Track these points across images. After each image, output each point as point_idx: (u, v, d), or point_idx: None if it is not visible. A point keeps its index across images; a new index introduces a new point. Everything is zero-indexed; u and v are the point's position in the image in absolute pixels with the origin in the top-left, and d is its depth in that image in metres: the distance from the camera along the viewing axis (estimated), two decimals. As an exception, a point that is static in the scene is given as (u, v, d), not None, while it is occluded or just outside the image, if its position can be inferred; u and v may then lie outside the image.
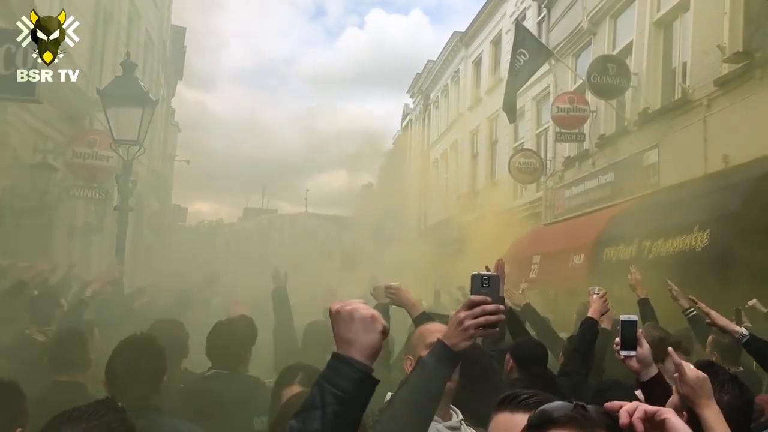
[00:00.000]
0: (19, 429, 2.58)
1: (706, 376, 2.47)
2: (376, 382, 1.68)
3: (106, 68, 13.79)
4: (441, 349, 2.12)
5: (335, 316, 1.70)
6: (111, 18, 14.82)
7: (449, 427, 2.70)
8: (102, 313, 5.75)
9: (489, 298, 2.04)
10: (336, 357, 1.68)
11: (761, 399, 4.11)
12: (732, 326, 4.29)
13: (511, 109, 14.43)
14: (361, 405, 1.67)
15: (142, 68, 15.38)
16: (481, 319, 2.03)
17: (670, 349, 2.71)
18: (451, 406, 2.87)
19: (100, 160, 11.88)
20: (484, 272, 2.12)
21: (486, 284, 2.08)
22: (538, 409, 1.53)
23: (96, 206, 13.59)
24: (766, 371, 4.23)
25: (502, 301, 2.17)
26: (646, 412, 1.43)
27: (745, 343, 4.18)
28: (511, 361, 4.27)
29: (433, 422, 2.71)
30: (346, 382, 1.63)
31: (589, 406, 1.49)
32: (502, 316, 2.09)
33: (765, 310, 6.73)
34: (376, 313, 1.70)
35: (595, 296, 4.56)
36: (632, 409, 1.44)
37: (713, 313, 4.42)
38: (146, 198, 18.30)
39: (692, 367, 2.52)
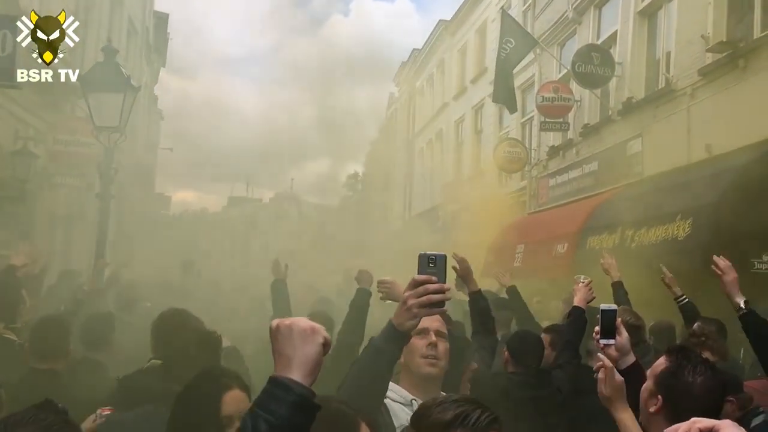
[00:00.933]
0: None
1: (623, 380, 2.69)
2: (317, 407, 1.56)
3: (87, 54, 13.59)
4: (388, 329, 2.15)
5: (274, 332, 1.61)
6: (93, 3, 14.61)
7: None
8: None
9: (434, 278, 2.05)
10: (271, 381, 1.55)
11: (749, 386, 4.14)
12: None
13: (509, 99, 14.42)
14: (299, 431, 1.54)
15: (124, 55, 15.21)
16: (424, 299, 2.04)
17: (600, 354, 2.89)
18: (443, 393, 2.87)
19: (82, 147, 11.74)
20: (432, 252, 2.12)
21: (432, 264, 2.08)
22: None
23: (78, 194, 13.44)
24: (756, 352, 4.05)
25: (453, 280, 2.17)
26: (701, 430, 1.40)
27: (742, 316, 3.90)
28: (507, 353, 4.28)
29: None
30: (281, 407, 1.50)
31: None
32: (447, 296, 2.11)
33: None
34: (316, 325, 1.61)
35: (581, 284, 4.59)
36: (687, 428, 1.41)
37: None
38: (129, 186, 18.12)
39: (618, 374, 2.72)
